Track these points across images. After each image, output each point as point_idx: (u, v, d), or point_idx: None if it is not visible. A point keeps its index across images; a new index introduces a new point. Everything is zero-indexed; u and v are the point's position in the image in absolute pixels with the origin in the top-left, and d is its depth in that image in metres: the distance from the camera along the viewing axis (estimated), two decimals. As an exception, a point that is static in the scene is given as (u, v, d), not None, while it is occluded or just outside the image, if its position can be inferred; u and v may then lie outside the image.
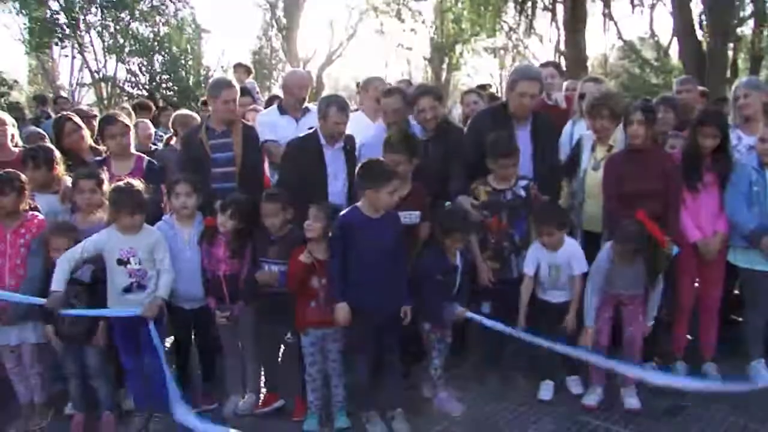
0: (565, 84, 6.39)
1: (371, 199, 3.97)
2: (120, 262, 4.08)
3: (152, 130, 6.92)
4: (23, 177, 4.34)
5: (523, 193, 4.43)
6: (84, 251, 4.04)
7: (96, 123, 5.51)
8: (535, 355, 4.55)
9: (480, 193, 4.45)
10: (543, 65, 6.73)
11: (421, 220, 4.41)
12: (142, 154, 5.08)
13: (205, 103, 7.72)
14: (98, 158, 5.04)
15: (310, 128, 4.94)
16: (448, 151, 4.73)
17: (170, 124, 6.47)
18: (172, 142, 6.30)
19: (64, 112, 5.89)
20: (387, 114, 4.97)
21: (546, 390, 4.46)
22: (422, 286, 4.15)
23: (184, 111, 6.68)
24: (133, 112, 7.18)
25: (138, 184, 4.16)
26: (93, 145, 5.41)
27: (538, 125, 4.75)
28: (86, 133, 5.35)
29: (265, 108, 7.04)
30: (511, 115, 4.73)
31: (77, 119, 5.38)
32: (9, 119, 5.33)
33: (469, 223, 4.29)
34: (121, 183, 4.17)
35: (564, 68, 9.78)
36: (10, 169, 4.37)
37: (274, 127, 5.35)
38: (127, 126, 4.88)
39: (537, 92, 4.68)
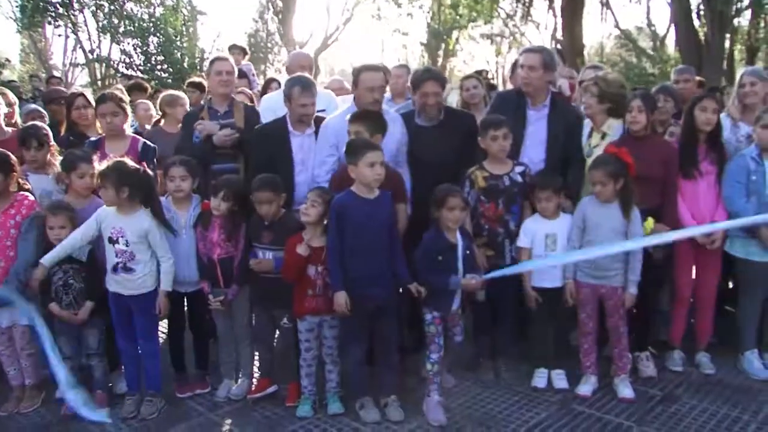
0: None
1: (356, 175, 3.93)
2: (110, 240, 4.07)
3: (153, 110, 6.86)
4: (12, 157, 4.29)
5: (520, 179, 4.41)
6: (92, 228, 4.07)
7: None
8: (529, 343, 4.59)
9: (478, 179, 4.41)
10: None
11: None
12: (138, 136, 5.03)
13: (190, 84, 7.66)
14: (92, 139, 4.99)
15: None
16: (465, 137, 4.60)
17: (158, 105, 6.42)
18: (161, 123, 6.24)
19: (78, 89, 5.88)
20: (374, 90, 4.52)
21: (540, 378, 4.46)
22: (421, 268, 4.07)
23: (171, 91, 6.60)
24: (126, 93, 7.11)
25: (126, 162, 4.11)
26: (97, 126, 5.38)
27: (555, 110, 4.67)
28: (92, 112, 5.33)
29: (262, 92, 6.99)
30: (526, 95, 4.68)
31: (90, 97, 5.36)
32: (1, 99, 5.27)
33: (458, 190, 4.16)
34: (107, 161, 4.13)
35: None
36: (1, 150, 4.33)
37: (276, 111, 5.27)
38: (118, 107, 4.81)
39: (536, 65, 4.56)
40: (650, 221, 4.25)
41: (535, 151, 4.60)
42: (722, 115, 4.72)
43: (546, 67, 4.60)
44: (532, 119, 4.65)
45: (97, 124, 5.24)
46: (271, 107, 5.31)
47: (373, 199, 3.99)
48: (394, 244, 4.06)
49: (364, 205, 3.96)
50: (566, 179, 4.50)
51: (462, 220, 4.11)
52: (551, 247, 4.34)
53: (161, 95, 6.42)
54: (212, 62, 5.15)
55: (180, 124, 5.78)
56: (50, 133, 4.74)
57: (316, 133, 4.67)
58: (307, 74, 4.93)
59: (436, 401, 4.09)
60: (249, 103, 5.83)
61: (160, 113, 6.29)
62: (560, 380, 4.45)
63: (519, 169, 4.43)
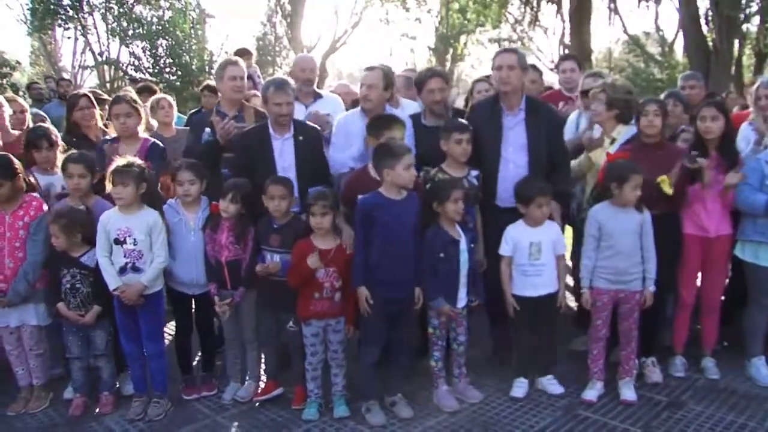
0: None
1: (392, 178, 3.98)
2: (117, 241, 4.10)
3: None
4: (14, 161, 4.30)
5: (476, 182, 4.43)
6: (103, 239, 4.10)
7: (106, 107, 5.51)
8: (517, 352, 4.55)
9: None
10: (563, 58, 6.74)
11: None
12: (150, 138, 5.05)
13: (205, 88, 7.69)
14: (109, 138, 5.03)
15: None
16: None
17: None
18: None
19: (82, 90, 5.92)
20: (362, 86, 4.74)
21: (519, 387, 4.42)
22: (423, 268, 4.11)
23: (159, 95, 6.61)
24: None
25: (138, 161, 4.18)
26: (102, 127, 5.41)
27: (532, 113, 4.61)
28: (97, 113, 5.35)
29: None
30: (501, 101, 4.64)
31: (92, 98, 5.39)
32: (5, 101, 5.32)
33: (459, 182, 4.23)
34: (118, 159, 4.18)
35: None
36: (2, 153, 4.36)
37: None
38: (132, 108, 4.84)
39: (514, 64, 4.50)
40: (664, 178, 4.23)
41: (517, 156, 4.56)
42: (744, 125, 4.70)
43: (523, 67, 4.59)
44: (510, 125, 4.59)
45: (98, 125, 5.28)
46: None
47: (400, 201, 4.03)
48: (418, 246, 4.10)
49: (393, 206, 4.00)
50: (552, 183, 4.47)
51: (462, 213, 4.15)
52: (535, 256, 4.31)
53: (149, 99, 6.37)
54: (224, 67, 5.08)
55: (172, 127, 5.89)
56: (58, 134, 4.79)
57: (295, 137, 4.64)
58: (287, 77, 4.91)
59: (444, 390, 4.26)
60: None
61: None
62: (553, 386, 4.45)
63: (474, 173, 4.48)
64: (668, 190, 4.24)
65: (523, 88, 4.69)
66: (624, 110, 4.63)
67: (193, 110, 7.37)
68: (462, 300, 4.22)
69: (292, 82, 4.79)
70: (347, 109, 5.59)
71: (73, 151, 4.58)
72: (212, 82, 6.98)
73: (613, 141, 4.67)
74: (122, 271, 4.10)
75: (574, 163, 4.82)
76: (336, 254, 4.07)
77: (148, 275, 4.12)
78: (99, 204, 4.36)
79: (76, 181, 4.32)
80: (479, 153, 4.55)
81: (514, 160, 4.57)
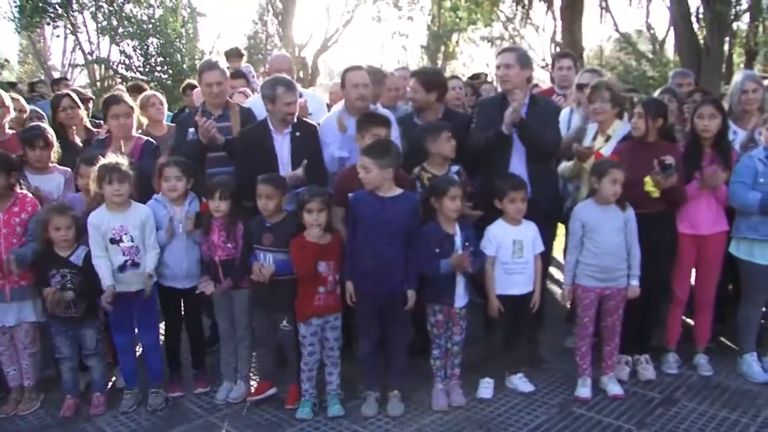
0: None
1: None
2: (113, 241, 4.11)
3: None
4: (13, 157, 4.29)
5: (456, 178, 4.42)
6: (96, 237, 4.10)
7: (90, 106, 5.47)
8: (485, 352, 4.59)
9: (423, 179, 4.47)
10: (560, 55, 6.74)
11: None
12: (143, 136, 5.03)
13: (187, 87, 7.67)
14: (100, 137, 5.00)
15: None
16: (460, 137, 4.60)
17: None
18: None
19: (64, 90, 5.89)
20: (358, 86, 4.73)
21: (486, 388, 4.41)
22: (419, 261, 4.10)
23: (149, 92, 6.57)
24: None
25: (116, 159, 4.17)
26: (88, 126, 5.37)
27: (533, 106, 4.64)
28: (82, 113, 5.31)
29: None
30: (507, 95, 4.65)
31: (76, 98, 5.35)
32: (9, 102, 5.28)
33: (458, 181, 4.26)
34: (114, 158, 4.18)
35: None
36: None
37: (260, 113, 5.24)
38: (131, 108, 4.85)
39: (511, 62, 4.55)
40: (647, 179, 4.24)
41: (521, 149, 4.59)
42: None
43: (522, 65, 4.61)
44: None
45: (83, 125, 5.24)
46: (255, 107, 5.26)
47: (388, 198, 4.04)
48: (409, 241, 4.09)
49: (377, 203, 4.02)
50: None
51: (461, 210, 4.16)
52: (518, 254, 4.30)
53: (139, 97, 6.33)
54: (201, 72, 5.08)
55: (163, 124, 5.87)
56: (54, 134, 4.75)
57: (292, 133, 4.66)
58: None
59: (439, 389, 4.29)
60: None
61: None
62: (524, 384, 4.47)
63: (454, 169, 4.49)
64: (652, 191, 4.25)
65: (527, 84, 4.75)
66: (624, 107, 4.67)
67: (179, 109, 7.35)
68: (461, 299, 4.21)
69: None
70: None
71: (87, 152, 4.63)
72: (194, 81, 6.97)
73: (608, 138, 4.67)
74: (122, 268, 4.13)
75: (565, 166, 4.80)
76: (332, 248, 4.11)
77: (149, 265, 4.18)
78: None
79: (85, 181, 4.36)
80: (491, 149, 4.56)
81: (519, 153, 4.59)
